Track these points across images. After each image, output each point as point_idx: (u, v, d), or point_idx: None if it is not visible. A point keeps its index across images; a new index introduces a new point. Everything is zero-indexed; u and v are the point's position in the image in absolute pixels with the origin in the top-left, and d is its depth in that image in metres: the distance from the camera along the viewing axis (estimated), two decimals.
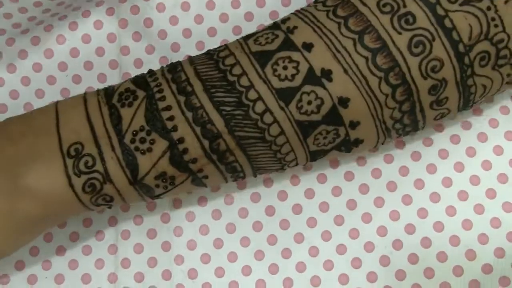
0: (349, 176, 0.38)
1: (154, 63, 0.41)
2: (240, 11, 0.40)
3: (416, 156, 0.38)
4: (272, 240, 0.38)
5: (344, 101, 0.30)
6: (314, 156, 0.33)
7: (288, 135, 0.31)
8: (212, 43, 0.40)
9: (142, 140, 0.31)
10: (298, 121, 0.31)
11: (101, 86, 0.40)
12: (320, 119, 0.31)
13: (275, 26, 0.33)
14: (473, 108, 0.38)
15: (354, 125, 0.31)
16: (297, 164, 0.34)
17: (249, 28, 0.40)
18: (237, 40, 0.33)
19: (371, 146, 0.34)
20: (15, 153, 0.32)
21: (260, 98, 0.31)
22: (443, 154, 0.38)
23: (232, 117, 0.31)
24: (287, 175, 0.38)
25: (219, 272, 0.38)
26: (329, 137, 0.32)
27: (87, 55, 0.40)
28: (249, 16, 0.40)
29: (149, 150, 0.31)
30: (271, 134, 0.31)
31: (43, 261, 0.39)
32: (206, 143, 0.31)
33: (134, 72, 0.40)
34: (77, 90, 0.40)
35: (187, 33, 0.41)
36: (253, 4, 0.40)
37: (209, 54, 0.33)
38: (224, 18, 0.40)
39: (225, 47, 0.33)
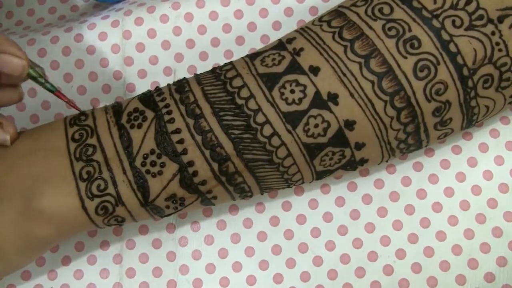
0: (352, 187, 0.38)
1: (158, 74, 0.41)
2: (243, 22, 0.41)
3: (418, 167, 0.38)
4: (276, 250, 0.38)
5: (350, 124, 0.31)
6: (320, 175, 0.34)
7: (295, 157, 0.32)
8: (215, 54, 0.41)
9: (153, 163, 0.31)
10: (305, 144, 0.31)
11: (106, 96, 0.41)
12: (326, 141, 0.31)
13: (281, 45, 0.33)
14: None
15: (359, 146, 0.32)
16: (303, 183, 0.34)
17: (252, 38, 0.41)
18: (243, 58, 0.33)
19: (375, 164, 0.34)
20: (27, 173, 0.32)
21: (268, 121, 0.31)
22: (445, 164, 0.38)
23: (240, 141, 0.31)
24: None
25: (224, 282, 0.38)
26: (335, 158, 0.32)
27: (91, 66, 0.40)
28: (252, 27, 0.41)
29: (160, 173, 0.31)
30: (279, 157, 0.31)
31: (49, 271, 0.39)
32: (215, 165, 0.31)
33: (138, 83, 0.41)
34: (82, 100, 0.41)
35: (190, 43, 0.41)
36: (255, 15, 0.41)
37: (216, 73, 0.33)
38: (227, 28, 0.41)
39: (232, 66, 0.33)
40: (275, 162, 0.32)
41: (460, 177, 0.38)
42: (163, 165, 0.31)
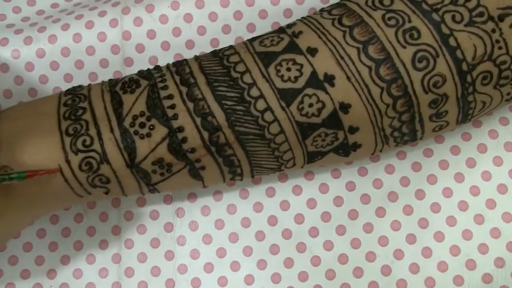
0: (350, 186, 0.38)
1: None
2: (243, 22, 0.41)
3: (417, 167, 0.38)
4: (274, 249, 0.38)
5: (345, 107, 0.31)
6: (312, 157, 0.34)
7: (287, 135, 0.32)
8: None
9: (142, 125, 0.32)
10: (298, 122, 0.31)
11: None
12: (320, 122, 0.31)
13: (280, 30, 0.34)
14: (472, 120, 0.38)
15: (353, 130, 0.32)
16: (294, 165, 0.34)
17: None
18: (242, 41, 0.34)
19: (369, 152, 0.34)
20: (12, 130, 0.32)
21: (262, 96, 0.31)
22: (444, 165, 0.38)
23: (233, 112, 0.31)
24: (289, 185, 0.39)
25: (222, 281, 0.38)
26: (327, 140, 0.32)
27: (91, 67, 0.41)
28: (251, 27, 0.41)
29: (148, 135, 0.32)
30: (271, 132, 0.32)
31: (48, 270, 0.39)
32: (205, 134, 0.31)
33: None
34: None
35: (189, 44, 0.41)
36: (255, 15, 0.41)
37: (215, 52, 0.34)
38: (226, 29, 0.41)
39: (231, 46, 0.34)
40: (266, 138, 0.32)
41: (459, 178, 0.38)
42: (152, 127, 0.32)
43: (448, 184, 0.38)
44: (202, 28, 0.41)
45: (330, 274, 0.37)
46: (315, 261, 0.38)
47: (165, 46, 0.41)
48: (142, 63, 0.41)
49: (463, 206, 0.37)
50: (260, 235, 0.38)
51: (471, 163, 0.38)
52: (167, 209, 0.39)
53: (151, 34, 0.41)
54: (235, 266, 0.38)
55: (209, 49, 0.41)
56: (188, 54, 0.41)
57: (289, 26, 0.33)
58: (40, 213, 0.34)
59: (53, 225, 0.39)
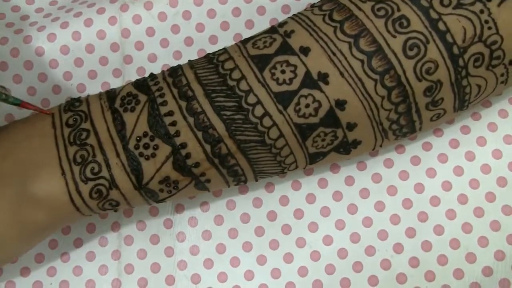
0: (349, 181, 0.38)
1: (156, 72, 0.41)
2: (241, 19, 0.41)
3: (416, 161, 0.38)
4: (274, 245, 0.38)
5: (341, 104, 0.31)
6: (313, 158, 0.34)
7: (287, 138, 0.32)
8: (213, 51, 0.41)
9: (146, 146, 0.32)
10: (296, 124, 0.31)
11: None
12: (318, 121, 0.31)
13: (272, 29, 0.34)
14: (471, 112, 0.38)
15: (351, 126, 0.32)
16: (297, 167, 0.34)
17: (249, 36, 0.41)
18: (235, 43, 0.34)
19: (369, 148, 0.34)
20: (22, 159, 0.32)
21: (259, 102, 0.31)
22: (443, 158, 0.38)
23: (232, 122, 0.31)
24: (288, 180, 0.39)
25: (222, 277, 0.38)
26: (327, 139, 0.32)
27: (91, 64, 0.41)
28: (249, 24, 0.41)
29: (153, 155, 0.32)
30: (271, 137, 0.32)
31: (48, 268, 0.39)
32: (208, 147, 0.32)
33: None
34: None
35: (188, 41, 0.41)
36: (253, 12, 0.41)
37: (209, 57, 0.34)
38: (225, 26, 0.41)
39: (224, 50, 0.34)
40: (267, 143, 0.32)
41: (458, 171, 0.38)
42: (156, 147, 0.32)
43: (447, 178, 0.38)
44: (201, 25, 0.41)
45: (330, 269, 0.37)
46: (315, 256, 0.38)
47: (164, 43, 0.41)
48: (141, 61, 0.41)
49: (462, 199, 0.37)
50: (259, 231, 0.38)
51: (470, 156, 0.38)
52: (166, 206, 0.39)
53: (150, 32, 0.41)
54: (234, 261, 0.38)
55: (208, 46, 0.41)
56: (187, 51, 0.41)
57: (281, 25, 0.33)
58: (50, 233, 0.35)
59: None
